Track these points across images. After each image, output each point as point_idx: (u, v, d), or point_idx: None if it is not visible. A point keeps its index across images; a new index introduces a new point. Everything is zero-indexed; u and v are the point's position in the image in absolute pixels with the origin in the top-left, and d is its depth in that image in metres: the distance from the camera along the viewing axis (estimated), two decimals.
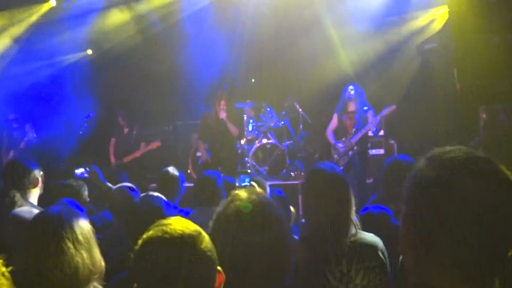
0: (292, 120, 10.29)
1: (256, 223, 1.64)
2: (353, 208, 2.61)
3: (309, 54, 10.32)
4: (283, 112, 10.05)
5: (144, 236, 1.47)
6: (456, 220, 1.08)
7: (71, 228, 2.02)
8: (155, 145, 8.97)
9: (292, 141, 10.05)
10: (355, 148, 7.64)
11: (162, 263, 1.38)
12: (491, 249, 1.06)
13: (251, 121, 9.78)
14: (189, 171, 9.97)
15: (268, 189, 3.74)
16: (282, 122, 9.94)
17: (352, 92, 7.66)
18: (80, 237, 2.00)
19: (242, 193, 1.74)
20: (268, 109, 10.02)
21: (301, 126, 10.23)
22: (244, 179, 3.19)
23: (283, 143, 9.70)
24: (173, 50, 10.48)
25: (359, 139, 7.60)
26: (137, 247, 1.46)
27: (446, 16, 8.95)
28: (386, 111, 7.46)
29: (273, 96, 10.50)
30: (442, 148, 1.21)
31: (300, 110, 10.14)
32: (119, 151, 9.20)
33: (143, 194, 2.98)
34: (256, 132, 9.85)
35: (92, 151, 9.29)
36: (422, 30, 9.75)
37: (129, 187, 3.67)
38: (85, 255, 1.98)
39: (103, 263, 2.10)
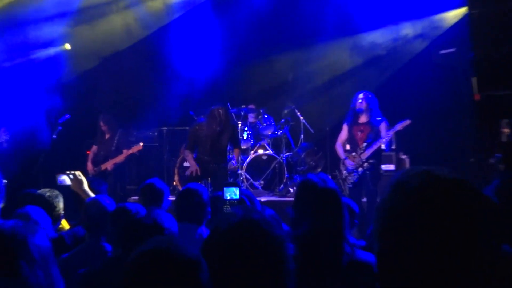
0: (292, 129, 10.33)
1: (253, 246, 1.62)
2: (345, 225, 2.63)
3: (312, 56, 10.39)
4: (283, 120, 10.07)
5: (140, 251, 1.53)
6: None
7: (25, 245, 1.98)
8: (136, 148, 8.96)
9: (291, 153, 10.02)
10: (365, 164, 7.64)
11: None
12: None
13: (246, 128, 9.81)
14: (175, 183, 9.98)
15: (257, 207, 3.73)
16: (281, 131, 9.96)
17: (362, 101, 7.67)
18: (35, 256, 1.97)
19: (236, 211, 1.72)
20: (266, 116, 10.06)
21: (302, 136, 10.22)
22: (232, 192, 3.17)
23: (281, 155, 9.70)
24: (161, 51, 10.54)
25: (371, 154, 7.61)
26: (130, 260, 1.50)
27: (466, 19, 9.01)
28: (399, 126, 7.44)
29: (271, 102, 10.53)
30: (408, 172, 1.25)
31: (302, 118, 10.14)
32: (99, 158, 9.21)
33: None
34: (251, 142, 9.88)
35: (66, 157, 9.29)
36: (438, 33, 9.82)
37: (105, 199, 3.67)
38: (41, 275, 1.95)
39: (62, 284, 2.07)
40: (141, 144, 8.98)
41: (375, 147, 7.55)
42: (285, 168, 9.53)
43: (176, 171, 10.07)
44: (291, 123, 10.18)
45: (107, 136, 9.28)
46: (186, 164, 9.81)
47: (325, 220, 2.57)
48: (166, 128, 10.91)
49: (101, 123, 9.22)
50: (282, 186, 9.49)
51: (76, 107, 9.59)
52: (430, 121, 9.47)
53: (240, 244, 1.60)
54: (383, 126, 7.63)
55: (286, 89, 10.98)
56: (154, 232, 2.64)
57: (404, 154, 9.51)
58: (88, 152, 9.46)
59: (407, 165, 9.31)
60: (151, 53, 10.78)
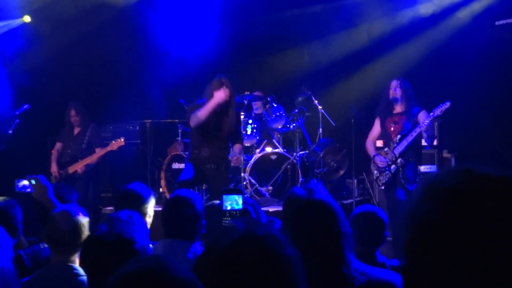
0: (308, 121, 10.37)
1: (257, 268, 1.60)
2: (343, 243, 2.63)
3: (334, 29, 10.39)
4: (296, 110, 10.07)
5: (119, 275, 1.53)
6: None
7: None
8: (116, 144, 8.94)
9: (307, 151, 10.07)
10: (399, 160, 7.80)
11: None
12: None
13: (250, 121, 9.77)
14: (161, 189, 10.03)
15: (263, 219, 3.72)
16: (294, 124, 9.98)
17: (397, 89, 7.87)
18: None
19: (236, 225, 1.71)
20: (275, 106, 10.05)
21: (320, 131, 10.26)
22: (233, 201, 3.12)
23: (294, 154, 9.71)
24: (143, 24, 10.55)
25: (405, 148, 7.75)
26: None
27: None
28: (438, 110, 7.53)
29: (282, 88, 10.52)
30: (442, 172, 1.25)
31: (320, 108, 10.16)
32: (65, 158, 9.21)
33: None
34: (257, 137, 9.88)
35: (26, 157, 9.28)
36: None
37: (76, 209, 3.66)
38: None
39: None
40: (122, 139, 8.99)
41: (410, 138, 7.69)
42: (300, 171, 9.55)
43: (162, 174, 10.10)
44: (306, 114, 10.22)
45: (76, 131, 9.28)
46: (175, 166, 9.84)
47: (314, 241, 2.58)
48: (150, 121, 10.86)
49: (73, 113, 9.22)
50: None
51: (37, 95, 9.60)
52: (481, 111, 9.45)
53: (241, 266, 1.59)
54: (422, 116, 7.75)
55: (300, 71, 11.14)
56: (121, 251, 2.60)
57: (448, 152, 9.50)
58: (52, 151, 9.47)
59: (453, 165, 9.30)
60: (131, 27, 10.77)
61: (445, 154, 9.47)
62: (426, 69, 9.85)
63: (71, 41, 10.49)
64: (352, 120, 9.66)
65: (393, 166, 7.82)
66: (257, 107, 10.44)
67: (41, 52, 10.13)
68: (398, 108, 7.96)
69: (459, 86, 9.46)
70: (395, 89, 7.88)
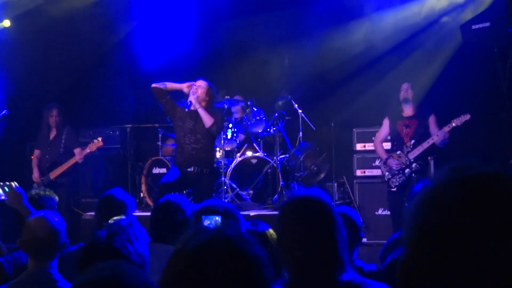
0: (289, 125, 10.35)
1: (225, 267, 1.61)
2: (341, 245, 2.63)
3: (314, 33, 10.40)
4: (276, 114, 10.04)
5: (77, 283, 1.54)
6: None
7: None
8: (94, 145, 8.86)
9: (287, 155, 10.05)
10: (413, 165, 8.03)
11: None
12: None
13: (230, 125, 9.74)
14: (142, 194, 10.00)
15: (241, 223, 3.72)
16: (274, 128, 9.96)
17: (408, 91, 8.15)
18: None
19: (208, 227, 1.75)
20: (255, 110, 10.03)
21: (300, 135, 10.23)
22: (212, 221, 3.11)
23: (275, 158, 9.70)
24: (122, 33, 10.50)
25: (420, 154, 8.02)
26: None
27: None
28: (457, 121, 7.80)
29: (262, 92, 10.51)
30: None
31: (300, 111, 10.15)
32: (44, 164, 9.14)
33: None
34: (237, 141, 9.88)
35: (3, 163, 9.19)
36: (467, 5, 9.87)
37: (52, 216, 3.63)
38: None
39: None
40: (100, 139, 8.92)
41: (426, 145, 7.96)
42: (280, 174, 9.54)
43: (143, 179, 10.06)
44: (286, 118, 10.19)
45: (52, 135, 9.18)
46: (156, 170, 9.80)
47: (310, 242, 2.58)
48: (130, 125, 10.82)
49: (54, 112, 9.10)
50: (276, 196, 9.49)
51: (17, 100, 9.53)
52: (459, 113, 9.46)
53: (210, 266, 1.59)
54: (432, 120, 8.06)
55: (280, 76, 11.10)
56: (110, 256, 2.56)
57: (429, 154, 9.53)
58: (32, 157, 9.39)
59: (431, 167, 9.31)
60: (110, 33, 10.69)
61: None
62: (404, 72, 9.87)
63: (51, 46, 10.40)
64: (332, 124, 9.70)
65: (407, 170, 8.04)
66: (237, 111, 10.43)
67: (20, 57, 10.04)
68: (409, 111, 8.19)
69: (437, 88, 9.53)
70: (406, 91, 8.13)
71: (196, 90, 7.84)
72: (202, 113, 7.76)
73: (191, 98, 7.79)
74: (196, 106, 7.76)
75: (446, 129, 7.84)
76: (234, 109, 10.37)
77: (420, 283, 1.15)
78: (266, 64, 10.93)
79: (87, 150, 8.85)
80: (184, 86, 7.94)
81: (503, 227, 1.08)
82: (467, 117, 7.77)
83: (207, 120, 7.76)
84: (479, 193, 1.12)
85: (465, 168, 1.19)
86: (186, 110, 7.81)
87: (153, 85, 7.85)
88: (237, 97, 10.10)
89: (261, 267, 1.65)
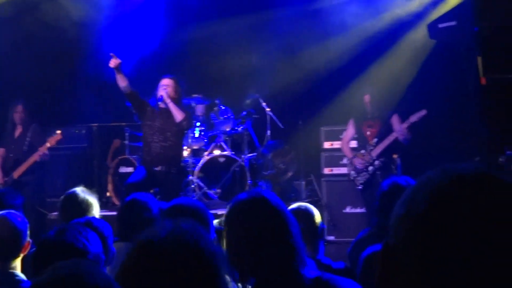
0: (256, 124, 10.37)
1: (174, 263, 1.68)
2: (298, 245, 2.62)
3: (282, 31, 10.39)
4: (244, 113, 10.09)
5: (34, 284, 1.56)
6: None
7: None
8: (53, 139, 8.71)
9: (255, 154, 10.09)
10: (376, 162, 8.28)
11: None
12: None
13: (198, 124, 9.77)
14: (108, 194, 9.97)
15: (210, 222, 3.69)
16: (242, 127, 9.98)
17: (369, 106, 8.39)
18: None
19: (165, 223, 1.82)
20: (223, 108, 10.06)
21: (268, 133, 10.28)
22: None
23: (242, 156, 9.73)
24: (89, 30, 10.42)
25: (382, 151, 8.28)
26: None
27: None
28: (415, 117, 8.08)
29: (229, 90, 10.49)
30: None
31: (268, 110, 10.19)
32: (9, 163, 9.02)
33: None
34: (205, 140, 9.88)
35: None
36: (434, 4, 9.93)
37: (14, 216, 3.57)
38: None
39: None
40: (59, 132, 8.78)
41: (387, 142, 8.23)
42: (248, 173, 9.55)
43: (109, 178, 10.04)
44: (254, 116, 10.21)
45: (17, 132, 9.05)
46: (122, 170, 9.76)
47: (260, 245, 2.57)
48: (96, 124, 10.72)
49: (19, 108, 9.01)
50: None
51: None
52: (427, 109, 9.52)
53: (165, 263, 1.68)
54: (395, 119, 8.30)
55: (248, 74, 11.08)
56: (64, 252, 2.56)
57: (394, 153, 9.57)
58: None
59: (398, 166, 9.35)
60: (77, 29, 10.56)
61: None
62: (372, 74, 9.91)
63: (17, 44, 10.29)
64: (300, 122, 9.70)
65: (370, 168, 8.30)
66: (201, 110, 10.32)
67: None
68: (372, 112, 8.42)
69: (404, 88, 9.59)
70: (368, 105, 8.40)
71: (166, 87, 7.81)
72: (173, 107, 7.75)
73: (162, 92, 7.75)
74: (167, 101, 7.74)
75: (405, 125, 8.11)
76: (197, 108, 10.28)
77: (402, 273, 1.15)
78: (234, 61, 10.85)
79: (47, 145, 8.70)
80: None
81: (494, 227, 1.07)
82: (423, 112, 8.05)
83: (178, 114, 7.75)
84: (477, 189, 1.12)
85: (460, 168, 1.18)
86: (158, 104, 7.82)
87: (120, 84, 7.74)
88: (200, 96, 10.08)
89: (213, 259, 1.72)
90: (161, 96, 7.76)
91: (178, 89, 7.98)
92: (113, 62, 7.53)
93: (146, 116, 7.91)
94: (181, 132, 7.95)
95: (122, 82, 7.70)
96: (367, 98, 8.43)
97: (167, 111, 7.77)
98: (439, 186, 1.15)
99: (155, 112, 7.85)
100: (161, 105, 7.81)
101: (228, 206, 2.79)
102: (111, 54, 7.59)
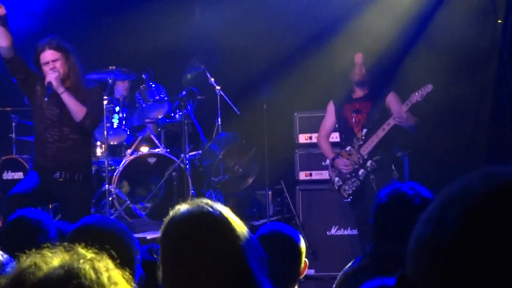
0: (201, 108, 10.50)
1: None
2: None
3: None
4: (184, 93, 10.15)
5: None
6: None
7: None
8: None
9: (201, 151, 10.14)
10: (368, 163, 8.14)
11: None
12: None
13: (117, 108, 9.71)
14: None
15: (134, 252, 3.59)
16: (181, 113, 10.01)
17: (361, 67, 8.28)
18: None
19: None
20: (153, 86, 10.11)
21: (219, 122, 10.38)
22: None
23: (182, 155, 9.77)
24: None
25: (375, 146, 8.11)
26: None
27: None
28: (418, 96, 7.89)
29: (162, 60, 10.35)
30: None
31: (218, 88, 10.28)
32: None
33: None
34: (128, 132, 9.85)
35: None
36: None
37: None
38: None
39: None
40: None
41: (381, 133, 8.08)
42: (190, 179, 9.59)
43: None
44: (199, 97, 10.37)
45: None
46: (8, 175, 10.05)
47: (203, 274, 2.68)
48: None
49: None
50: None
51: None
52: (434, 106, 9.67)
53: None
54: (392, 98, 8.23)
55: (190, 37, 11.21)
56: None
57: (400, 150, 9.55)
58: None
59: (405, 167, 9.37)
60: None
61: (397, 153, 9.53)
62: (358, 38, 9.93)
63: None
64: (264, 106, 9.55)
65: (361, 171, 8.17)
66: (124, 89, 10.40)
67: None
68: (360, 91, 8.37)
69: (400, 55, 9.97)
70: (360, 67, 8.29)
71: (52, 66, 7.43)
72: (68, 101, 7.37)
73: (50, 77, 7.37)
74: (59, 90, 7.35)
75: (405, 107, 7.94)
76: (119, 85, 10.36)
77: None
78: (169, 21, 10.97)
79: None
80: None
81: None
82: (429, 88, 7.87)
83: (77, 111, 7.43)
84: None
85: (505, 172, 1.24)
86: (46, 99, 7.41)
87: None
88: (124, 68, 10.03)
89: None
90: (49, 84, 7.36)
91: (72, 63, 7.63)
92: None
93: (35, 100, 7.63)
94: (85, 130, 7.75)
95: (3, 40, 7.32)
96: (358, 57, 8.33)
97: (61, 99, 7.43)
98: (478, 198, 1.20)
99: (45, 99, 7.49)
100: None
101: (161, 228, 2.83)
102: None
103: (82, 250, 2.03)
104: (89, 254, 1.93)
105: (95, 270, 1.84)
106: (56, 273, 1.79)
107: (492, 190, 1.18)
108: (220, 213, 2.77)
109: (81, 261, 1.87)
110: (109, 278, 1.88)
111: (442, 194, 1.25)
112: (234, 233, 2.71)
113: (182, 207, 2.83)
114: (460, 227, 1.16)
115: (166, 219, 2.87)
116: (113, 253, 3.18)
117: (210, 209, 2.76)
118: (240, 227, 2.77)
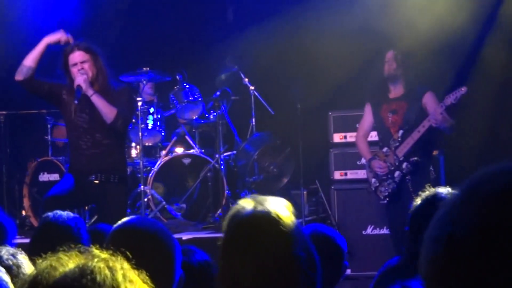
0: (236, 108, 10.48)
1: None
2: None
3: None
4: (218, 93, 10.15)
5: None
6: None
7: None
8: None
9: (235, 152, 10.16)
10: (404, 165, 8.08)
11: None
12: None
13: (152, 109, 9.74)
14: (24, 212, 10.05)
15: (176, 252, 3.51)
16: (215, 113, 9.99)
17: (391, 62, 8.23)
18: None
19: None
20: (187, 87, 10.11)
21: (253, 122, 10.38)
22: None
23: (217, 156, 9.79)
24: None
25: (412, 148, 8.05)
26: None
27: None
28: (452, 98, 7.80)
29: (196, 61, 10.42)
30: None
31: (252, 88, 10.26)
32: None
33: None
34: (162, 133, 9.85)
35: None
36: None
37: None
38: None
39: None
40: None
41: (417, 135, 8.01)
42: (225, 180, 9.63)
43: (25, 190, 10.09)
44: (233, 98, 10.37)
45: None
46: (44, 177, 10.01)
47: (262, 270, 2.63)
48: (4, 112, 10.73)
49: None
50: (219, 212, 9.51)
51: None
52: (470, 102, 9.57)
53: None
54: (429, 98, 8.12)
55: (223, 37, 11.12)
56: None
57: (435, 149, 9.50)
58: None
59: (441, 167, 9.34)
60: None
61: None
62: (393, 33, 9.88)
63: None
64: (298, 106, 9.55)
65: (397, 173, 8.14)
66: (149, 90, 10.46)
67: None
68: (396, 91, 8.32)
69: (444, 77, 9.68)
70: (391, 63, 8.22)
71: (81, 68, 7.47)
72: (97, 102, 7.40)
73: (79, 80, 7.40)
74: (88, 92, 7.38)
75: (439, 109, 7.85)
76: (145, 88, 10.26)
77: None
78: (202, 20, 10.88)
79: None
80: (52, 39, 7.59)
81: None
82: (463, 90, 7.80)
83: (107, 112, 7.43)
84: None
85: None
86: (76, 102, 7.44)
87: (17, 77, 7.54)
88: (149, 70, 9.97)
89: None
90: (79, 87, 7.38)
91: (100, 65, 7.64)
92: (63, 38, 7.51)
93: (64, 108, 7.72)
94: (118, 132, 7.78)
95: (34, 62, 7.43)
96: (389, 54, 8.29)
97: (91, 102, 7.44)
98: (498, 193, 1.20)
99: (74, 104, 7.52)
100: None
101: (225, 225, 2.79)
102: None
103: (96, 251, 2.01)
104: (104, 255, 1.92)
105: (110, 268, 1.84)
106: (71, 271, 1.79)
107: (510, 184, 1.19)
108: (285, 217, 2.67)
109: (96, 260, 1.86)
110: (124, 275, 1.87)
111: (457, 192, 1.26)
112: (288, 232, 2.64)
113: (246, 205, 2.76)
114: (476, 225, 1.17)
115: (229, 215, 2.82)
116: (152, 253, 3.27)
117: (279, 212, 2.68)
118: (300, 235, 2.71)
